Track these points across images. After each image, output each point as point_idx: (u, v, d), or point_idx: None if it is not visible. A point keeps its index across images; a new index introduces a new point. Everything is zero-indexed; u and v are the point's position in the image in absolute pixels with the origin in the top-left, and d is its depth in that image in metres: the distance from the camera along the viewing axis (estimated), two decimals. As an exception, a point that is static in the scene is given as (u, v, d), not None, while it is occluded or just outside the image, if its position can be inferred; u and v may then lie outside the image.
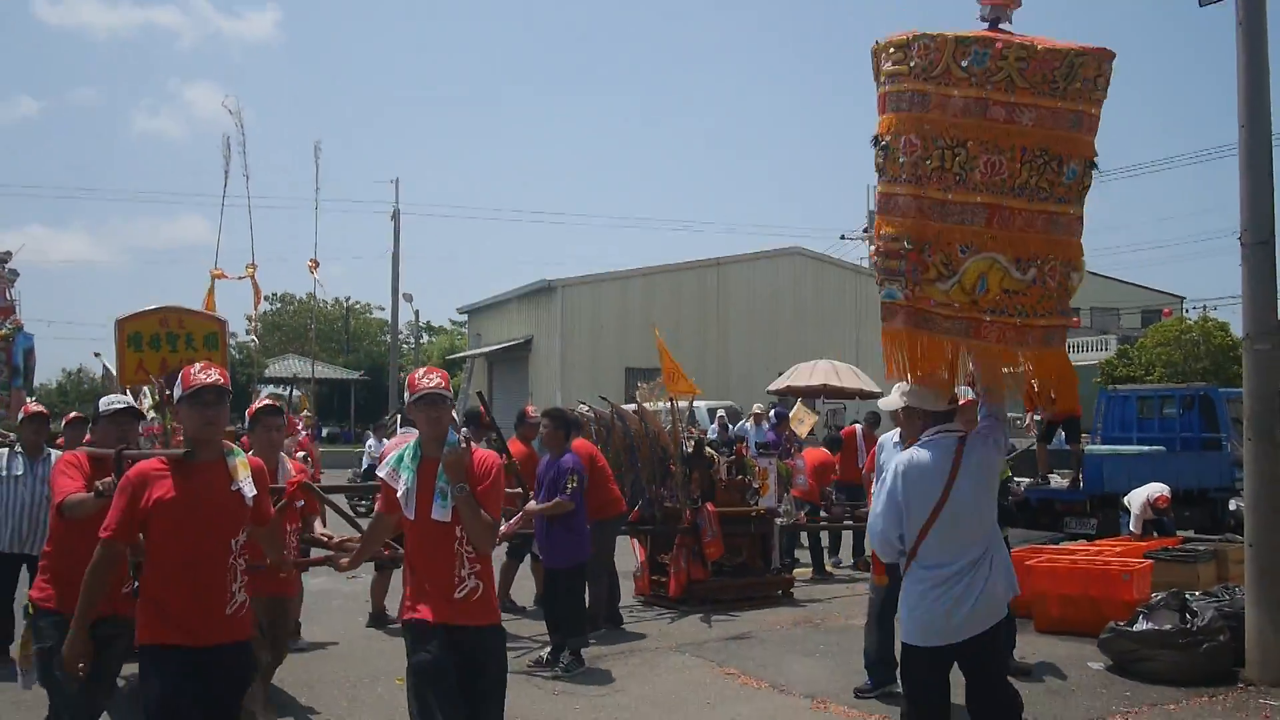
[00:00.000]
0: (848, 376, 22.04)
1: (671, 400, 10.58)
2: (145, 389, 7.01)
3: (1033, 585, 8.43)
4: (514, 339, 34.20)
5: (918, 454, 4.42)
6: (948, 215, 4.17)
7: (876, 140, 4.35)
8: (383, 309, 56.77)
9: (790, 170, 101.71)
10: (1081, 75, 4.18)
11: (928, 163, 4.15)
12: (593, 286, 32.72)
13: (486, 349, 36.27)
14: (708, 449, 10.20)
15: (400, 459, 4.28)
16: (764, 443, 12.46)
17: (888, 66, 4.27)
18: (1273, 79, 7.22)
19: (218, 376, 3.86)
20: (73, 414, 8.76)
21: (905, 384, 4.62)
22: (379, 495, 4.49)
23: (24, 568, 7.16)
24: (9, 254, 46.50)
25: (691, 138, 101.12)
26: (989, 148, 4.12)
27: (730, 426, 19.31)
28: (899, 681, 6.55)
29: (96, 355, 8.57)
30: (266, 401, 5.59)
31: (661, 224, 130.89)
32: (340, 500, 10.19)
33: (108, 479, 4.37)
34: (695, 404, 14.22)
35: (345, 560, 4.84)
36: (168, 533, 3.73)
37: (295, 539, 5.69)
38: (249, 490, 3.89)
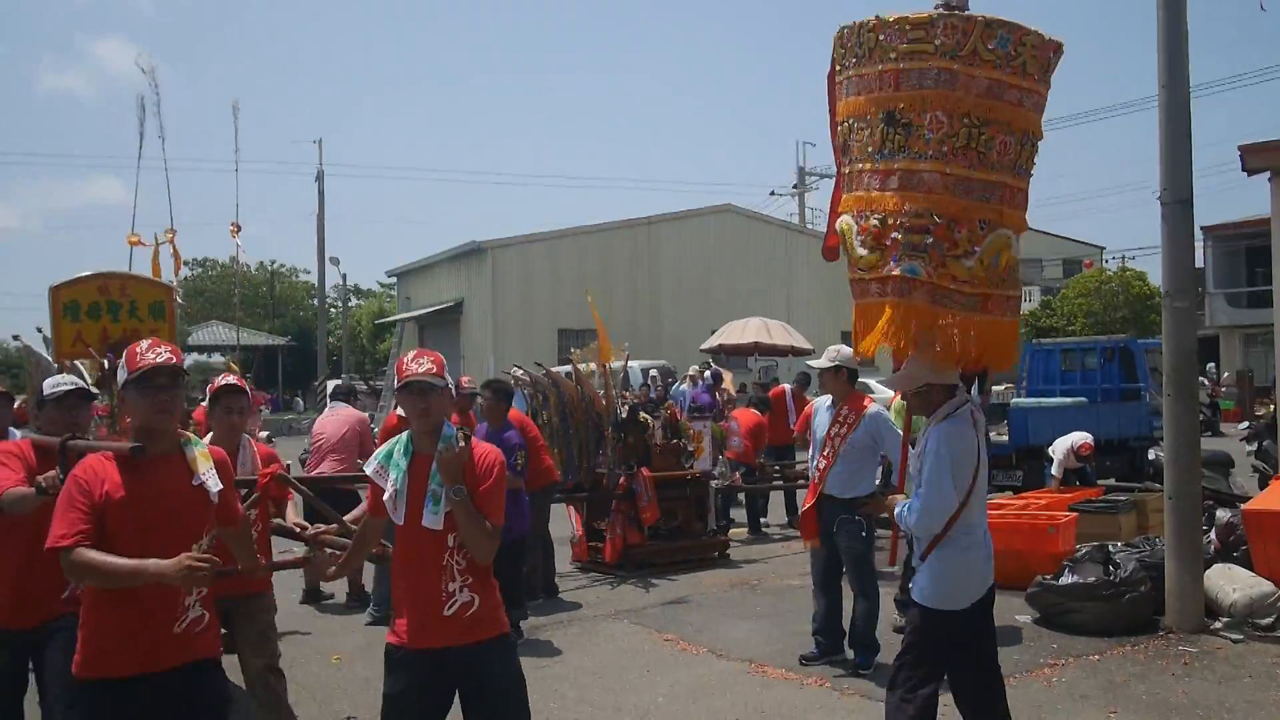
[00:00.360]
0: (779, 334, 22.22)
1: (604, 365, 10.55)
2: (83, 364, 6.55)
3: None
4: (444, 302, 33.85)
5: (954, 428, 4.47)
6: (971, 192, 4.27)
7: (893, 118, 4.31)
8: (309, 272, 55.99)
9: (720, 128, 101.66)
10: (1056, 64, 4.44)
11: (954, 140, 4.25)
12: (523, 248, 32.43)
13: (417, 312, 35.87)
14: (642, 414, 10.19)
15: (389, 454, 3.74)
16: (699, 405, 12.49)
17: (903, 45, 4.26)
18: (1191, 39, 7.32)
19: (169, 355, 3.32)
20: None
21: (884, 356, 4.71)
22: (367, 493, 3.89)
23: None
24: (-87, 222, 43.97)
25: (621, 97, 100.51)
26: (1003, 129, 4.27)
27: (666, 385, 19.35)
28: (848, 650, 6.70)
29: (39, 331, 7.86)
30: (230, 379, 4.91)
31: (592, 183, 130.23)
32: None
33: (51, 473, 3.86)
34: (629, 364, 14.24)
35: (332, 570, 4.12)
36: (118, 539, 3.18)
37: (266, 538, 4.91)
38: (213, 485, 3.39)
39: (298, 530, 4.69)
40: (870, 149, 4.37)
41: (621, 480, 9.71)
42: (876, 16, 4.35)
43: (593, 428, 10.12)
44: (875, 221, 4.36)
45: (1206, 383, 24.63)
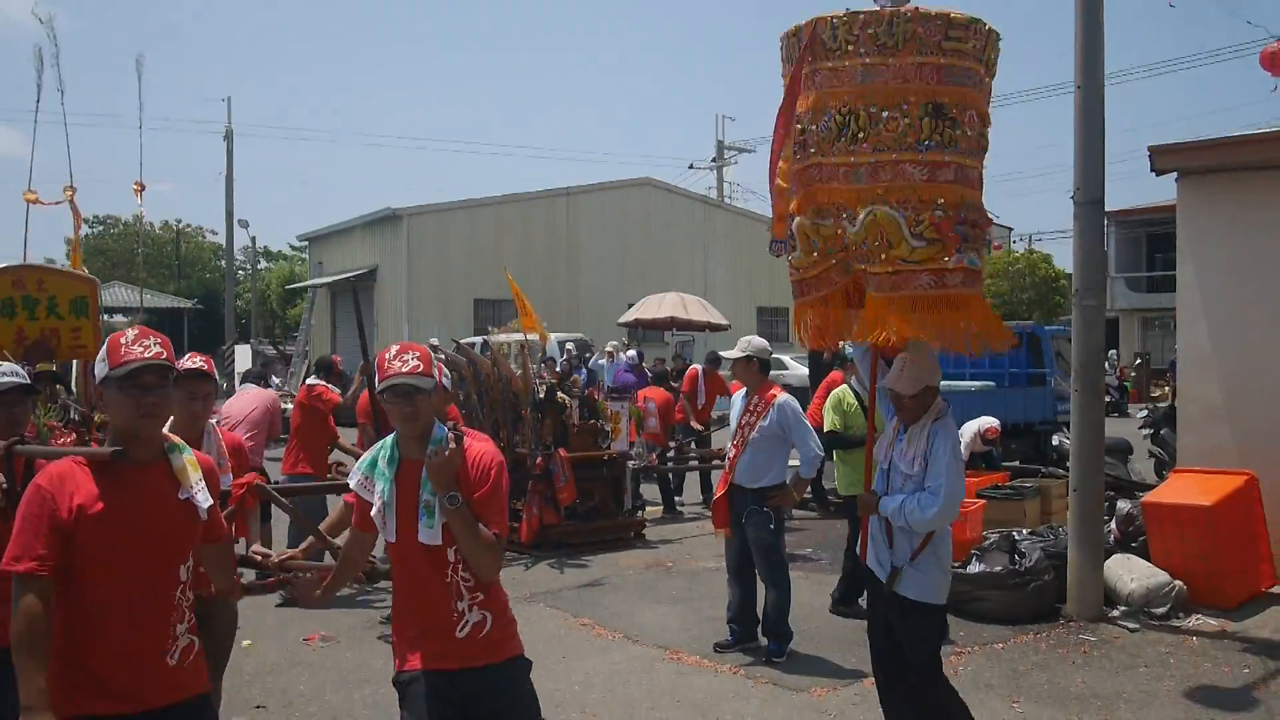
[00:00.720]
0: (696, 309, 22.29)
1: (523, 345, 10.47)
2: None
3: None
4: (358, 268, 33.23)
5: (952, 425, 4.64)
6: (981, 184, 4.58)
7: (941, 110, 4.32)
8: (216, 233, 54.46)
9: (640, 100, 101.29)
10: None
11: (969, 132, 4.41)
12: (440, 215, 31.96)
13: (329, 278, 35.16)
14: (560, 395, 10.15)
15: (373, 463, 3.35)
16: (618, 386, 12.50)
17: (946, 41, 4.33)
18: (1108, 37, 7.47)
19: (159, 348, 2.88)
20: None
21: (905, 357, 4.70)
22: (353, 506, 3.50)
23: None
24: None
25: (543, 65, 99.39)
26: (984, 118, 4.54)
27: (582, 359, 19.30)
28: (761, 638, 6.77)
29: None
30: (196, 361, 4.32)
31: (511, 151, 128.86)
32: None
33: None
34: (550, 339, 14.19)
35: (317, 592, 3.68)
36: (94, 561, 2.74)
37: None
38: (203, 500, 2.95)
39: (259, 559, 4.01)
40: (910, 139, 4.33)
41: (539, 460, 9.67)
42: (915, 7, 4.38)
43: (509, 407, 10.06)
44: (939, 213, 4.33)
45: (1111, 367, 25.38)
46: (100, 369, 2.91)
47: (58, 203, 9.11)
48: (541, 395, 10.01)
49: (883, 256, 4.36)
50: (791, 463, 6.97)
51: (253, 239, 45.38)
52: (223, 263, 44.32)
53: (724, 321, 22.41)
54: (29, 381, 4.00)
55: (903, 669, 4.67)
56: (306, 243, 42.07)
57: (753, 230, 36.70)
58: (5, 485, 3.27)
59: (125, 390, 2.83)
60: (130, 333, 2.90)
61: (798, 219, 4.61)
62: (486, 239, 31.60)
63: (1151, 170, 8.47)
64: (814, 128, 4.46)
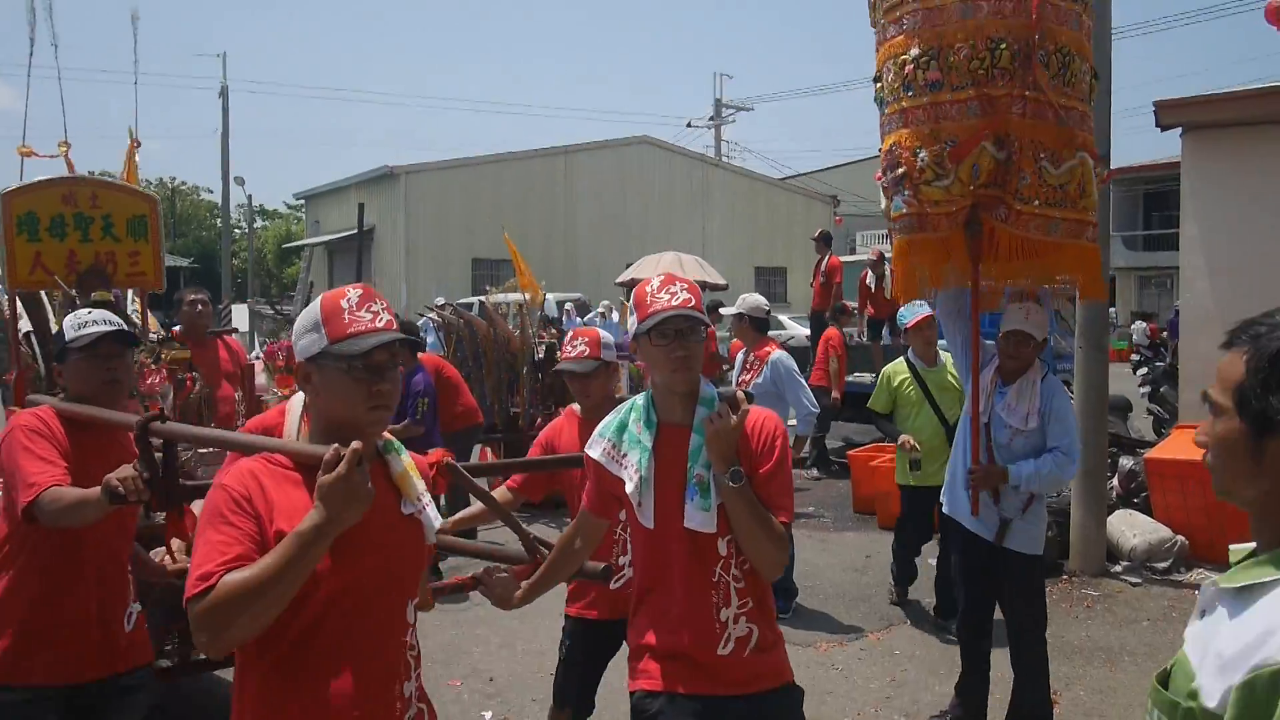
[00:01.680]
0: (693, 268, 22.13)
1: (520, 305, 10.43)
2: (45, 295, 5.13)
3: (876, 484, 8.79)
4: (355, 227, 33.08)
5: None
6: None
7: (1065, 52, 4.22)
8: (211, 192, 54.22)
9: (638, 57, 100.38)
10: None
11: (1066, 74, 4.28)
12: (438, 174, 31.78)
13: (326, 237, 35.03)
14: (558, 354, 10.11)
15: (621, 427, 2.73)
16: (616, 343, 12.45)
17: None
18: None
19: (388, 315, 2.19)
20: None
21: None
22: (582, 483, 2.93)
23: None
24: None
25: (542, 22, 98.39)
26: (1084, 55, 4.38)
27: (578, 319, 19.28)
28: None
29: None
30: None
31: (509, 109, 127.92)
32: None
33: (125, 471, 2.65)
34: (546, 298, 14.12)
35: (518, 594, 2.89)
36: (310, 600, 2.03)
37: None
38: (433, 518, 2.25)
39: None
40: (1084, 88, 4.33)
41: (538, 420, 9.66)
42: None
43: (506, 367, 10.03)
44: (1100, 169, 4.37)
45: (1141, 334, 25.14)
46: (310, 339, 2.15)
47: (52, 156, 8.91)
48: (541, 355, 9.99)
49: (1078, 203, 4.32)
50: (790, 421, 6.97)
51: (249, 197, 45.10)
52: (218, 221, 44.14)
53: (721, 281, 22.29)
54: (124, 327, 3.25)
55: (988, 623, 4.70)
56: (303, 201, 41.86)
57: (752, 189, 36.55)
58: (146, 475, 2.63)
59: (354, 372, 2.10)
60: (352, 292, 2.18)
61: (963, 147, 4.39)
62: (484, 198, 31.43)
63: (1156, 125, 8.41)
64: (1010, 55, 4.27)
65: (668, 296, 2.62)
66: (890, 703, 5.25)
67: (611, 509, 2.81)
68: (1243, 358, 1.45)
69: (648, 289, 2.66)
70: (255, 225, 52.34)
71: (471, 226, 30.75)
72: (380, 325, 2.14)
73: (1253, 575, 1.42)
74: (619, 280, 23.49)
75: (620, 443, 2.71)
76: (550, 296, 19.14)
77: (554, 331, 12.19)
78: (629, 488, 2.64)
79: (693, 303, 2.62)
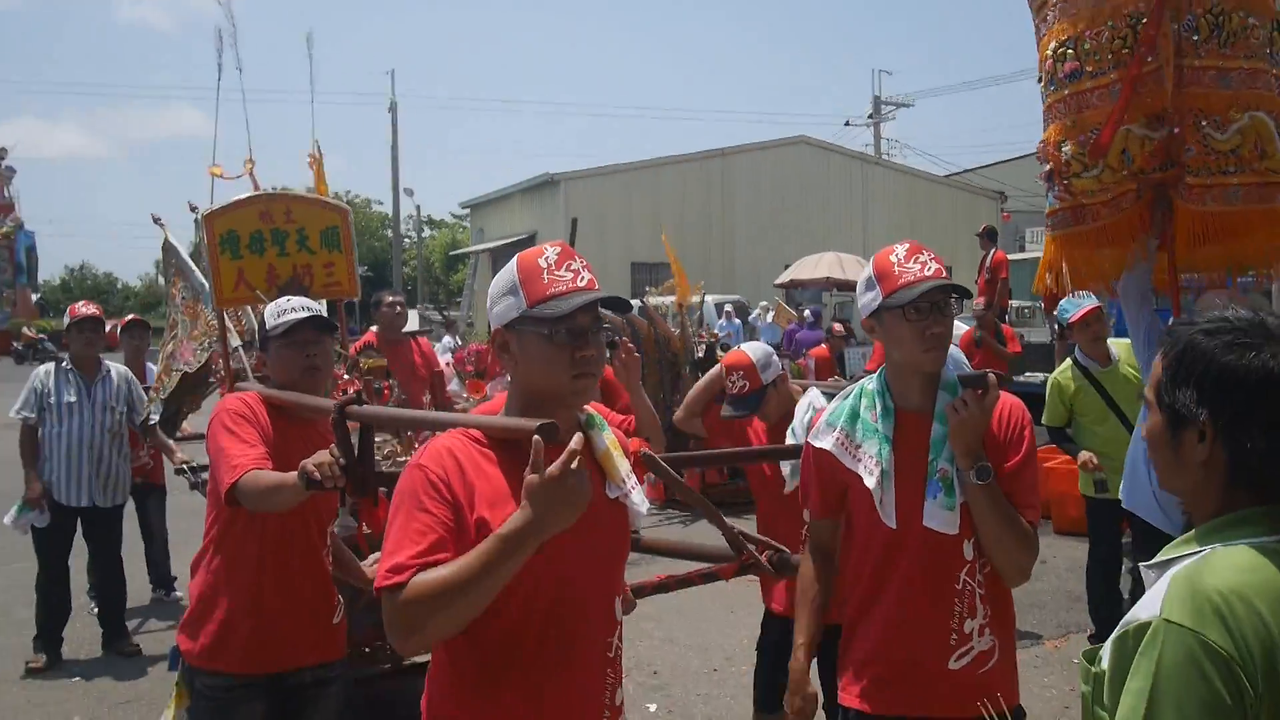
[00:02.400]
0: (853, 268, 21.92)
1: (680, 305, 10.47)
2: (247, 311, 5.29)
3: (1050, 487, 8.46)
4: (517, 234, 33.90)
5: None
6: None
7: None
8: (382, 203, 56.40)
9: (794, 58, 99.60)
10: None
11: (1221, 34, 4.03)
12: (596, 180, 32.27)
13: (490, 244, 35.98)
14: (719, 352, 10.12)
15: (853, 414, 2.45)
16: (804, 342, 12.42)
17: None
18: None
19: (589, 275, 1.98)
20: (130, 316, 7.58)
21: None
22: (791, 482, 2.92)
23: (80, 527, 6.06)
24: (4, 150, 45.36)
25: (695, 26, 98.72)
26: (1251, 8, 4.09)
27: (737, 321, 19.25)
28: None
29: (157, 221, 6.14)
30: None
31: (666, 114, 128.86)
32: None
33: (323, 459, 2.52)
34: (705, 300, 14.18)
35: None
36: (512, 594, 1.84)
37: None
38: (639, 502, 2.04)
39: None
40: (1268, 49, 4.05)
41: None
42: None
43: (668, 366, 10.09)
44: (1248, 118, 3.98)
45: None
46: (506, 304, 1.96)
47: (238, 175, 9.40)
48: (701, 354, 10.02)
49: (1257, 165, 4.05)
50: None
51: (417, 207, 46.82)
52: (389, 231, 45.87)
53: (884, 281, 21.97)
54: (321, 313, 3.25)
55: None
56: (468, 210, 43.14)
57: (913, 187, 35.78)
58: (344, 461, 2.50)
59: (556, 337, 1.91)
60: (550, 250, 1.98)
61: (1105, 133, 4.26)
62: (642, 202, 31.72)
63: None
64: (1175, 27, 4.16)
65: (918, 266, 2.38)
66: (1069, 712, 5.04)
67: (840, 507, 2.51)
68: (1160, 358, 1.57)
69: (892, 258, 2.41)
70: (423, 234, 54.21)
71: (630, 230, 31.08)
72: (582, 284, 1.94)
73: (1171, 552, 1.51)
74: (777, 282, 23.42)
75: (853, 431, 2.43)
76: (709, 299, 19.25)
77: (713, 333, 12.22)
78: (869, 482, 2.36)
79: (945, 274, 2.40)
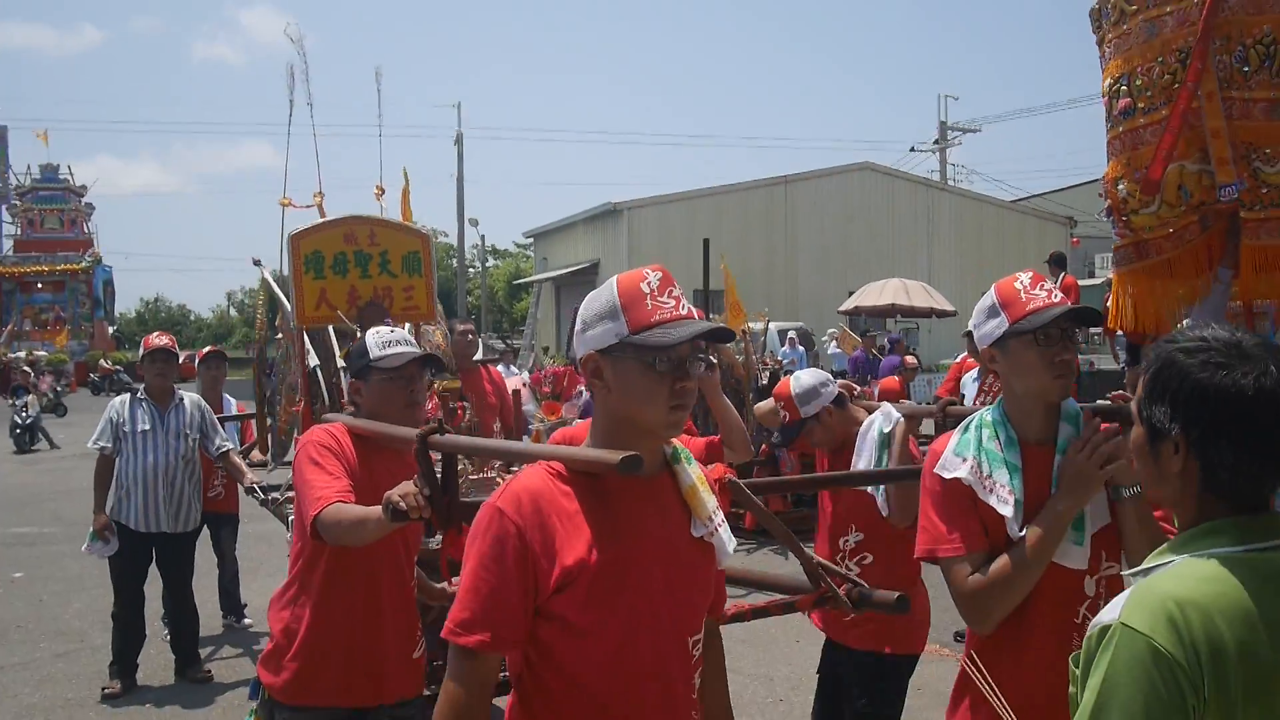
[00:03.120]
0: (919, 295, 21.70)
1: (744, 332, 10.45)
2: (330, 330, 5.39)
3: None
4: (580, 263, 34.13)
5: None
6: None
7: None
8: (447, 235, 57.21)
9: (857, 83, 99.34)
10: None
11: (1273, 64, 3.93)
12: (659, 208, 32.38)
13: (553, 273, 36.27)
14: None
15: (978, 445, 2.35)
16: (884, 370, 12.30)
17: None
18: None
19: (689, 304, 1.92)
20: (208, 348, 7.73)
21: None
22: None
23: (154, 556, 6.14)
24: (84, 188, 46.80)
25: (759, 53, 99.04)
26: None
27: (801, 348, 19.15)
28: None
29: (256, 263, 6.51)
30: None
31: (728, 142, 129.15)
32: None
33: (407, 489, 2.45)
34: (769, 327, 14.14)
35: None
36: (572, 634, 1.81)
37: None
38: (726, 541, 1.96)
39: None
40: (1254, 72, 4.04)
41: (764, 447, 9.62)
42: None
43: (731, 393, 10.06)
44: None
45: None
46: (603, 329, 1.88)
47: (308, 206, 9.61)
48: (765, 381, 9.97)
49: None
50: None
51: (481, 237, 47.38)
52: (454, 261, 46.47)
53: (950, 307, 21.73)
54: (427, 352, 3.27)
55: None
56: (531, 239, 43.54)
57: (979, 212, 35.39)
58: (427, 492, 2.45)
59: (658, 367, 1.83)
60: (651, 275, 1.91)
61: (1152, 172, 4.21)
62: (705, 230, 31.72)
63: None
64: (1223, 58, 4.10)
65: (1044, 294, 2.34)
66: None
67: (985, 541, 2.30)
68: (1142, 374, 1.65)
69: (1017, 284, 2.38)
70: (487, 264, 54.83)
71: (692, 258, 30.96)
72: (684, 313, 1.86)
73: (1151, 561, 1.58)
74: (842, 308, 23.26)
75: (981, 461, 2.33)
76: (772, 326, 19.18)
77: (777, 360, 12.16)
78: (1006, 511, 2.24)
79: (1069, 302, 2.35)
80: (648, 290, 1.87)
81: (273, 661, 3.05)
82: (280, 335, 5.89)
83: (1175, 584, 1.46)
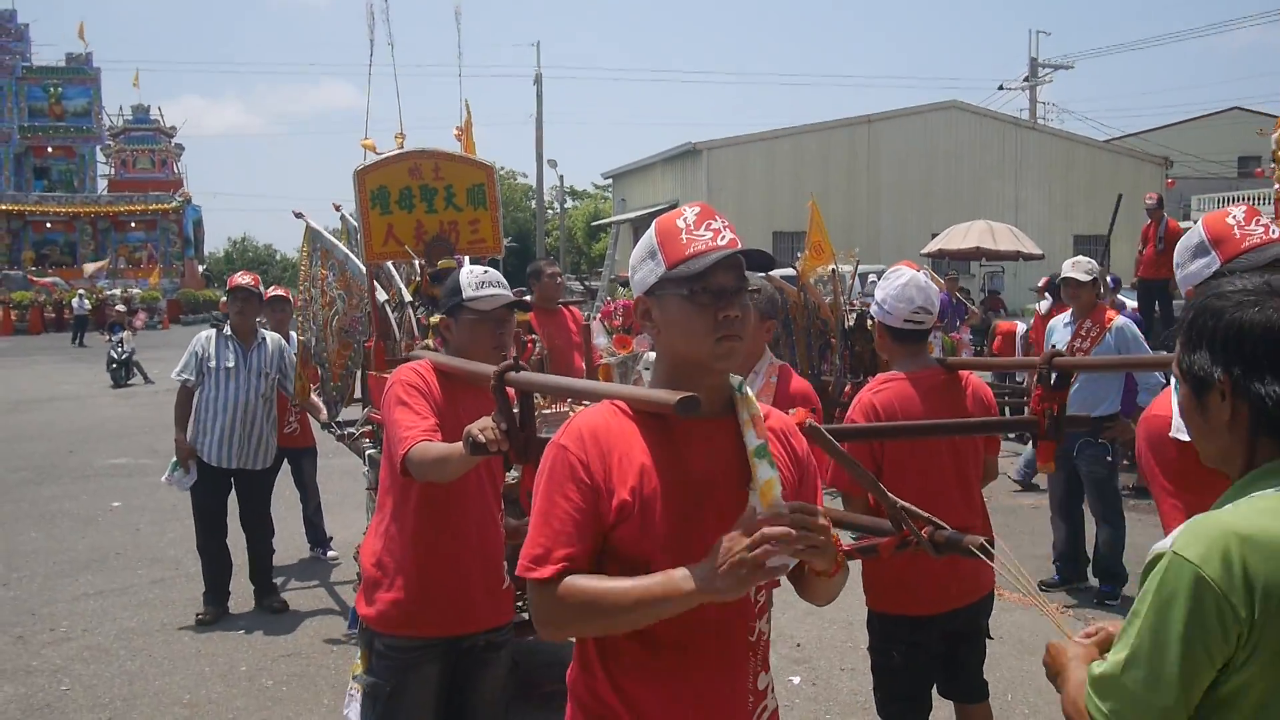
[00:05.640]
0: (1005, 238, 21.08)
1: (834, 270, 10.26)
2: (390, 266, 5.38)
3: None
4: (659, 204, 33.92)
5: None
6: None
7: None
8: (526, 176, 57.25)
9: (944, 18, 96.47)
10: None
11: None
12: (738, 148, 31.99)
13: (631, 214, 36.13)
14: (870, 322, 9.89)
15: None
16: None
17: None
18: None
19: (730, 234, 1.89)
20: (274, 289, 7.71)
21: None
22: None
23: (233, 489, 6.29)
24: (174, 128, 47.61)
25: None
26: None
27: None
28: (1091, 578, 6.38)
29: (337, 208, 6.63)
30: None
31: (810, 80, 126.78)
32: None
33: (485, 423, 2.48)
34: (858, 269, 13.88)
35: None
36: (638, 571, 1.78)
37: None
38: (776, 502, 1.73)
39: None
40: None
41: (846, 389, 9.50)
42: None
43: (817, 334, 9.92)
44: None
45: None
46: (646, 270, 1.90)
47: (389, 149, 9.61)
48: (851, 323, 9.81)
49: None
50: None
51: (560, 178, 47.37)
52: (533, 203, 46.58)
53: (1037, 251, 21.14)
54: (516, 297, 3.27)
55: None
56: (610, 180, 43.38)
57: (1070, 152, 34.36)
58: (504, 427, 2.45)
59: (696, 297, 1.82)
60: (689, 211, 1.90)
61: None
62: (785, 171, 31.32)
63: None
64: None
65: (1261, 229, 2.26)
66: None
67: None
68: (1179, 331, 1.64)
69: (1229, 220, 2.28)
70: (566, 205, 54.84)
71: (772, 200, 30.73)
72: (723, 243, 1.85)
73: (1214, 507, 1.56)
74: (924, 251, 22.76)
75: None
76: (846, 269, 18.87)
77: (865, 302, 11.93)
78: None
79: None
80: (683, 225, 1.87)
81: (367, 593, 3.16)
82: (329, 278, 5.85)
83: (1237, 518, 1.45)
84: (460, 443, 2.56)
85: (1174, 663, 1.42)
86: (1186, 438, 2.05)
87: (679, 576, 1.69)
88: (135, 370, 19.51)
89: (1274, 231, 2.24)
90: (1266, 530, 1.42)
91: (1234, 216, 2.28)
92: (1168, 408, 2.17)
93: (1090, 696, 1.54)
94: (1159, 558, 1.48)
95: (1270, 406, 1.50)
